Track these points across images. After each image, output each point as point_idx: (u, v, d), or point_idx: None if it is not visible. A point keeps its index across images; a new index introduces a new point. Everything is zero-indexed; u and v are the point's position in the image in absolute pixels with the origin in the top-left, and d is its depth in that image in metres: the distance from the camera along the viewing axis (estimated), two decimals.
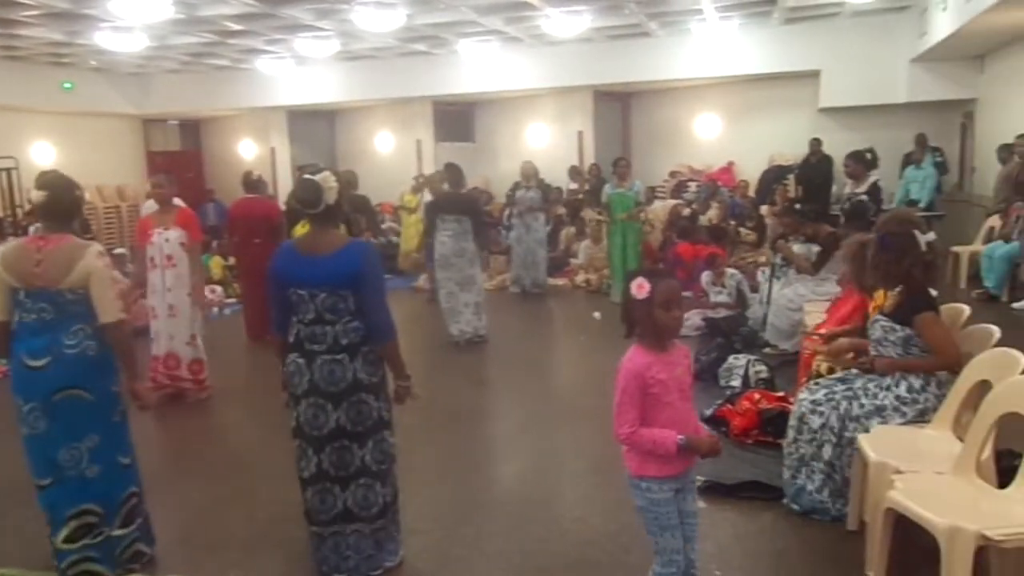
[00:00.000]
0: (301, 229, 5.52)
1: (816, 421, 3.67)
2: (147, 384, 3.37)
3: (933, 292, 3.64)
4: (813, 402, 3.72)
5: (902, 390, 3.53)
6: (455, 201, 7.71)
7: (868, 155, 7.47)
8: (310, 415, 3.18)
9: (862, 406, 3.57)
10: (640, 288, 2.49)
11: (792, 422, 3.83)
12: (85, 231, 6.08)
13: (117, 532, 3.38)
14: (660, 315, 2.49)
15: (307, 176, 3.23)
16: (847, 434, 3.55)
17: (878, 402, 3.55)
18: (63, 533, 3.26)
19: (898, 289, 3.58)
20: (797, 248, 6.84)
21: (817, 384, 3.90)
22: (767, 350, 6.54)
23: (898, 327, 3.53)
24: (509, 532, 3.79)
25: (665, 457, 2.51)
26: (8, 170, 12.76)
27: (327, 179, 3.18)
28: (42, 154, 14.17)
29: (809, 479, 3.70)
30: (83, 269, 3.18)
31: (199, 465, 4.96)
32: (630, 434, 2.53)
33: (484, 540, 3.72)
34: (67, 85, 13.94)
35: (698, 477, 4.12)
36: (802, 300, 6.46)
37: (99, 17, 9.63)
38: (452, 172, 7.94)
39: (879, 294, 3.77)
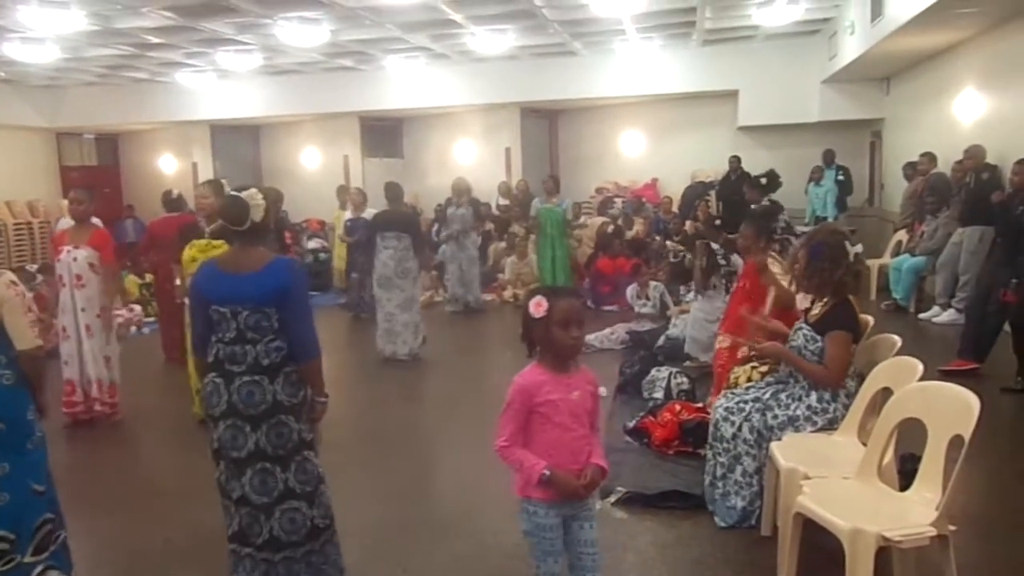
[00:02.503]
0: (189, 252, 5.45)
1: (728, 430, 3.78)
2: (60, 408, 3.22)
3: (867, 318, 3.78)
4: (726, 409, 3.84)
5: (812, 400, 3.66)
6: (395, 218, 7.68)
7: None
8: (228, 436, 3.10)
9: (776, 417, 3.69)
10: (537, 306, 2.47)
11: (711, 429, 3.94)
12: None
13: (29, 559, 3.23)
14: (558, 334, 2.47)
15: (232, 193, 3.17)
16: (765, 444, 3.65)
17: (791, 412, 3.67)
18: None
19: (825, 301, 3.72)
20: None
21: (733, 393, 4.01)
22: (688, 363, 6.69)
23: (819, 338, 3.64)
24: (430, 548, 3.78)
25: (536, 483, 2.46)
26: None
27: (253, 196, 3.12)
28: None
29: (737, 494, 3.76)
30: None
31: (114, 489, 4.80)
32: (502, 448, 2.51)
33: (406, 557, 3.70)
34: None
35: (619, 488, 4.22)
36: (718, 312, 6.65)
37: (7, 28, 9.28)
38: (391, 189, 7.92)
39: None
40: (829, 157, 11.92)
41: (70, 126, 15.78)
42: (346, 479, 4.43)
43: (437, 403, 6.57)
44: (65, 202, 6.94)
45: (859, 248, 3.81)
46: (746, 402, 3.81)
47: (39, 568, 3.25)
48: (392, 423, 5.79)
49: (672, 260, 8.89)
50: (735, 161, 12.44)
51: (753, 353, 4.20)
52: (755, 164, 12.73)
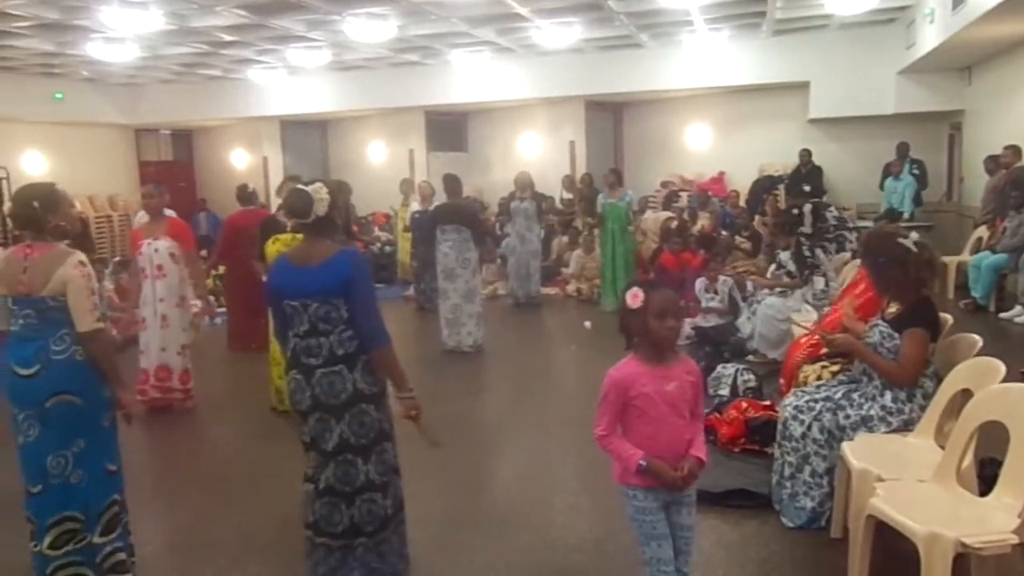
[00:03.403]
0: (272, 246, 5.53)
1: (797, 429, 3.69)
2: (135, 396, 3.34)
3: (947, 317, 3.67)
4: (795, 408, 3.75)
5: (887, 400, 3.56)
6: (454, 211, 7.77)
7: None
8: (319, 429, 3.18)
9: (848, 416, 3.60)
10: (634, 298, 2.51)
11: (779, 427, 3.86)
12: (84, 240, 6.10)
13: (98, 540, 3.39)
14: (654, 325, 2.49)
15: (298, 187, 3.25)
16: (836, 445, 3.56)
17: (864, 412, 3.58)
18: (47, 540, 3.28)
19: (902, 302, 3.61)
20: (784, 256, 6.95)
21: (803, 391, 3.93)
22: (750, 357, 6.59)
23: (896, 335, 3.54)
24: (497, 540, 3.81)
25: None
26: None
27: (318, 190, 3.19)
28: (33, 164, 14.17)
29: (806, 494, 3.68)
30: (60, 278, 3.21)
31: (188, 474, 4.97)
32: (601, 437, 2.55)
33: (471, 549, 3.73)
34: (58, 95, 13.94)
35: None
36: (788, 310, 6.53)
37: (91, 28, 9.65)
38: (450, 182, 8.00)
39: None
40: (903, 150, 11.54)
41: (148, 122, 16.35)
42: (411, 469, 4.48)
43: (501, 395, 6.61)
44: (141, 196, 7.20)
45: (914, 236, 3.67)
46: (816, 401, 3.72)
47: (108, 549, 3.40)
48: (456, 414, 5.84)
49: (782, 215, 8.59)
50: (806, 155, 12.16)
51: (824, 349, 4.09)
52: (826, 157, 12.47)
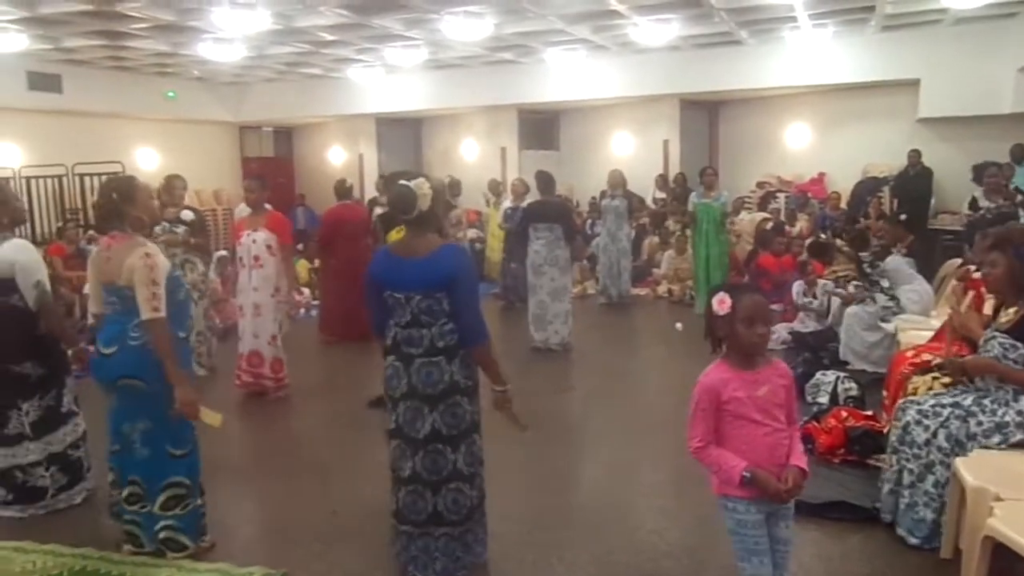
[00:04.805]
0: (396, 235, 5.59)
1: (921, 435, 3.50)
2: (191, 394, 3.43)
3: None
4: (919, 412, 3.56)
5: (1023, 405, 3.35)
6: (547, 208, 7.76)
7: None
8: (409, 417, 3.23)
9: (980, 423, 3.40)
10: (721, 304, 2.44)
11: (895, 433, 3.67)
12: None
13: (157, 511, 3.59)
14: (742, 331, 2.42)
15: (402, 183, 3.29)
16: (964, 455, 3.37)
17: (998, 419, 3.38)
18: (126, 492, 3.59)
19: (1017, 306, 3.40)
20: (891, 260, 6.66)
21: (927, 397, 3.73)
22: (848, 367, 6.35)
23: (1020, 345, 3.35)
24: (584, 540, 3.76)
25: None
26: (114, 174, 13.44)
27: (421, 185, 3.23)
28: (146, 159, 14.89)
29: (927, 506, 3.47)
30: (129, 267, 3.39)
31: (279, 461, 5.10)
32: (698, 449, 2.48)
33: (559, 547, 3.70)
34: (170, 94, 14.61)
35: None
36: (873, 320, 6.31)
37: (202, 29, 10.06)
38: (543, 179, 7.99)
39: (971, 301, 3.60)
40: (1018, 153, 10.85)
41: (251, 120, 16.96)
42: (498, 465, 4.49)
43: (588, 394, 6.55)
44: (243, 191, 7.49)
45: None
46: (943, 407, 3.52)
47: (163, 523, 3.57)
48: (543, 412, 5.81)
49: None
50: (915, 156, 11.59)
51: (947, 371, 3.85)
52: (936, 158, 11.86)
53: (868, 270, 6.64)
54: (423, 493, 3.25)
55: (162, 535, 3.58)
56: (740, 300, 2.43)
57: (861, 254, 6.76)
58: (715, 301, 2.46)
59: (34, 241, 7.66)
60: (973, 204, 7.58)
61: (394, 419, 3.28)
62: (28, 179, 12.50)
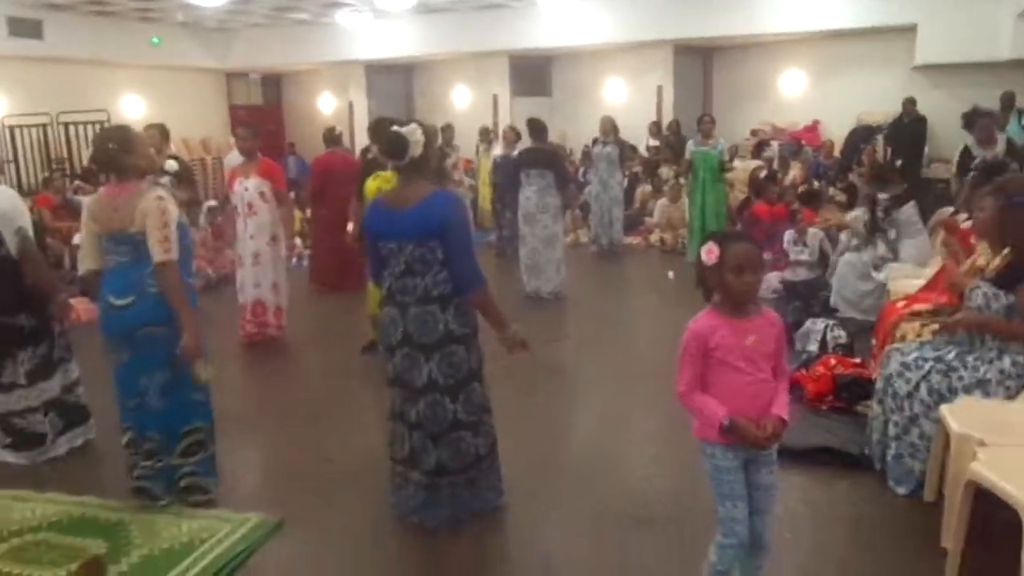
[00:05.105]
0: (372, 182, 5.55)
1: (903, 387, 3.54)
2: (195, 339, 3.42)
3: None
4: (902, 364, 3.59)
5: (1006, 363, 3.38)
6: (539, 155, 7.70)
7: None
8: (406, 365, 3.24)
9: (961, 379, 3.43)
10: (709, 253, 2.44)
11: (879, 383, 3.72)
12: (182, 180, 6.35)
13: (176, 460, 3.59)
14: (731, 280, 2.42)
15: (394, 128, 3.25)
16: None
17: (980, 376, 3.40)
18: (145, 447, 3.56)
19: (1005, 252, 3.41)
20: (907, 210, 6.61)
21: (909, 348, 3.76)
22: (839, 313, 6.39)
23: (1002, 294, 3.36)
24: (579, 491, 3.83)
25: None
26: (100, 122, 13.23)
27: (413, 132, 3.19)
28: (131, 107, 14.65)
29: (913, 456, 3.52)
30: (142, 211, 3.35)
31: (279, 409, 5.14)
32: (683, 394, 2.51)
33: (554, 498, 3.76)
34: (155, 40, 14.32)
35: None
36: (867, 268, 6.31)
37: None
38: (535, 126, 7.92)
39: (975, 261, 3.60)
40: (1007, 100, 10.70)
41: (238, 67, 16.66)
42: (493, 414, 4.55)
43: (580, 343, 6.59)
44: (233, 139, 7.39)
45: None
46: (926, 360, 3.54)
47: (185, 470, 3.59)
48: (537, 361, 5.84)
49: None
50: (910, 104, 11.49)
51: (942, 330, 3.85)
52: (930, 106, 11.78)
53: (881, 214, 6.59)
54: (427, 442, 3.28)
55: (184, 483, 3.60)
56: (728, 249, 2.43)
57: (880, 195, 6.67)
58: (703, 251, 2.46)
59: (20, 191, 7.56)
60: (965, 153, 7.53)
61: (391, 367, 3.30)
62: (12, 128, 12.31)
